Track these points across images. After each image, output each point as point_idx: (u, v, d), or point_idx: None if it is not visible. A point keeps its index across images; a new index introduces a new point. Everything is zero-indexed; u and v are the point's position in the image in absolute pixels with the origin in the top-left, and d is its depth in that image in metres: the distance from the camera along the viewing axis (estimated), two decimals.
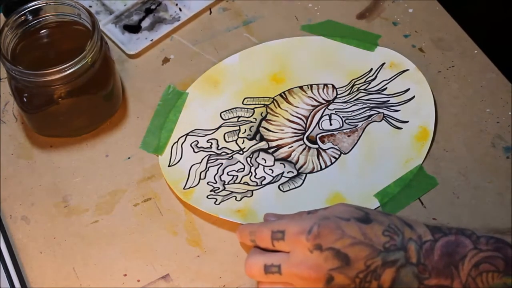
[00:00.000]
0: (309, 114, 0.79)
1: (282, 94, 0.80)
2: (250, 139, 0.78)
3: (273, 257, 0.64)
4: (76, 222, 0.74)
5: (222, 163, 0.76)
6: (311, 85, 0.80)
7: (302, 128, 0.78)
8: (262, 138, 0.78)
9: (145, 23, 0.86)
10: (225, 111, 0.80)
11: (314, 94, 0.80)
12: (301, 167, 0.76)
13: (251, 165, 0.76)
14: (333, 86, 0.80)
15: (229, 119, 0.79)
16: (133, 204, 0.75)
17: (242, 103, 0.80)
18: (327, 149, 0.76)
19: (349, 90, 0.80)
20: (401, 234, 0.62)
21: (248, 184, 0.75)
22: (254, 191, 0.74)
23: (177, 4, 0.87)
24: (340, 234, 0.61)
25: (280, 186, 0.75)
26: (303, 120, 0.78)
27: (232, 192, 0.74)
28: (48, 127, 0.79)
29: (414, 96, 0.78)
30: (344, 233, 0.61)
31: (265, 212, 0.71)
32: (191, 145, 0.78)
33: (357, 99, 0.79)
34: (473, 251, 0.61)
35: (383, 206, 0.72)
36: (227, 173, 0.75)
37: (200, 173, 0.76)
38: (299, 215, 0.66)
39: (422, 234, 0.62)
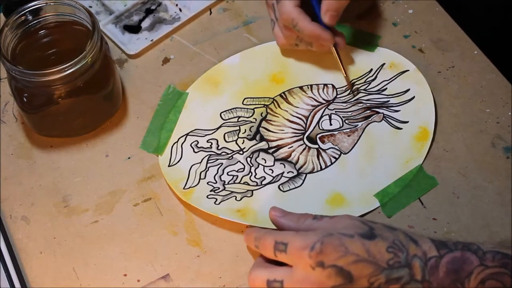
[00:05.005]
0: (309, 114, 0.79)
1: (282, 94, 0.80)
2: (250, 139, 0.78)
3: (276, 272, 0.64)
4: (76, 222, 0.74)
5: (222, 163, 0.76)
6: (311, 85, 0.81)
7: (302, 128, 0.78)
8: (262, 138, 0.78)
9: (145, 24, 0.86)
10: (225, 111, 0.80)
11: (314, 94, 0.80)
12: (301, 167, 0.76)
13: (251, 165, 0.76)
14: (333, 86, 0.80)
15: (229, 119, 0.79)
16: (133, 204, 0.75)
17: (242, 103, 0.80)
18: (327, 149, 0.76)
19: (349, 90, 0.80)
20: (405, 251, 0.61)
21: (248, 184, 0.75)
22: (254, 191, 0.74)
23: (177, 5, 0.87)
24: (343, 251, 0.61)
25: (280, 186, 0.75)
26: (303, 120, 0.78)
27: (232, 192, 0.74)
28: (48, 127, 0.79)
29: (414, 97, 0.78)
30: (348, 250, 0.61)
31: (265, 212, 0.71)
32: (191, 145, 0.78)
33: (357, 99, 0.79)
34: (479, 267, 0.60)
35: (383, 206, 0.72)
36: (227, 173, 0.75)
37: (200, 173, 0.76)
38: (304, 217, 0.66)
39: (427, 250, 0.62)
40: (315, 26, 0.76)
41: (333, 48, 0.78)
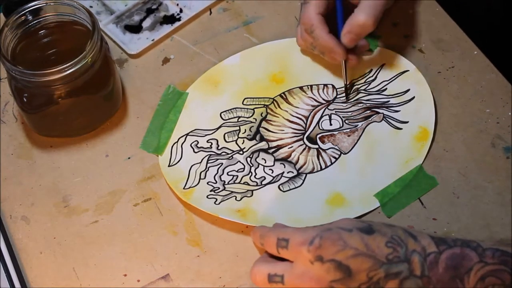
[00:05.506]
0: (309, 114, 0.79)
1: (282, 94, 0.80)
2: (250, 139, 0.78)
3: (277, 267, 0.64)
4: (76, 222, 0.74)
5: (222, 163, 0.76)
6: (311, 86, 0.81)
7: (302, 128, 0.78)
8: (262, 138, 0.78)
9: (146, 23, 0.86)
10: (225, 111, 0.80)
11: (314, 95, 0.80)
12: (301, 167, 0.76)
13: (251, 165, 0.76)
14: (333, 86, 0.80)
15: (229, 119, 0.79)
16: (133, 204, 0.75)
17: (242, 103, 0.80)
18: (327, 149, 0.76)
19: (349, 90, 0.80)
20: (404, 246, 0.61)
21: (248, 184, 0.75)
22: (254, 191, 0.74)
23: (178, 5, 0.87)
24: (342, 245, 0.61)
25: (280, 186, 0.75)
26: (303, 120, 0.78)
27: (232, 192, 0.74)
28: (48, 127, 0.79)
29: (414, 97, 0.78)
30: (346, 245, 0.61)
31: (265, 212, 0.71)
32: (191, 145, 0.78)
33: (357, 99, 0.79)
34: (478, 264, 0.60)
35: (383, 206, 0.72)
36: (227, 173, 0.75)
37: (200, 173, 0.76)
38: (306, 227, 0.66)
39: (426, 246, 0.62)
40: (330, 38, 0.76)
41: (343, 62, 0.78)
